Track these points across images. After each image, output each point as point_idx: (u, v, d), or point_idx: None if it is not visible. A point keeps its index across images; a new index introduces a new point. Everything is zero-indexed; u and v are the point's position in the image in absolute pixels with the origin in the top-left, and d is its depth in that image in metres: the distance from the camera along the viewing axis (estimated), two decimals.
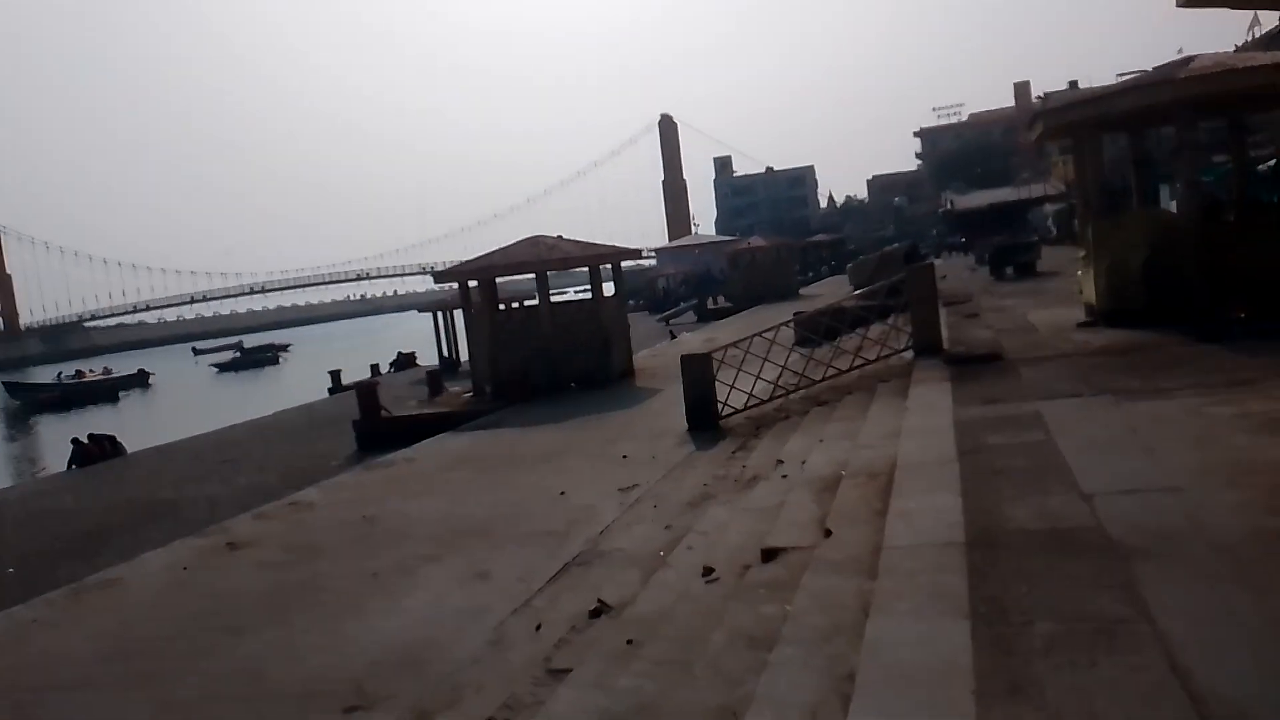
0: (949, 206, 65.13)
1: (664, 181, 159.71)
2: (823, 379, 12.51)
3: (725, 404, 12.75)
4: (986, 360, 10.68)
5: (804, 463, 8.34)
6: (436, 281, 20.88)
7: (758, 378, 12.71)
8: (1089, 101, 11.44)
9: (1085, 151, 12.40)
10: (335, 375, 38.24)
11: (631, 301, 79.42)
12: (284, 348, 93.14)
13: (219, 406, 42.82)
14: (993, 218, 52.74)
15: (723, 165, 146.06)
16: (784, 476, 8.17)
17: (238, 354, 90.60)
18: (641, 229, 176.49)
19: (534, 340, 19.54)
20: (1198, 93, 10.47)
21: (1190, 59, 11.49)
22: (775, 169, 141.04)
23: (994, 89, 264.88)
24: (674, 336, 36.64)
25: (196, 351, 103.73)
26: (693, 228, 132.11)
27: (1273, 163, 32.25)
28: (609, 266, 20.92)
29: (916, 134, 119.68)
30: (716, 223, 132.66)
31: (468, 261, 20.91)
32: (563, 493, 9.97)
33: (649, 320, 55.92)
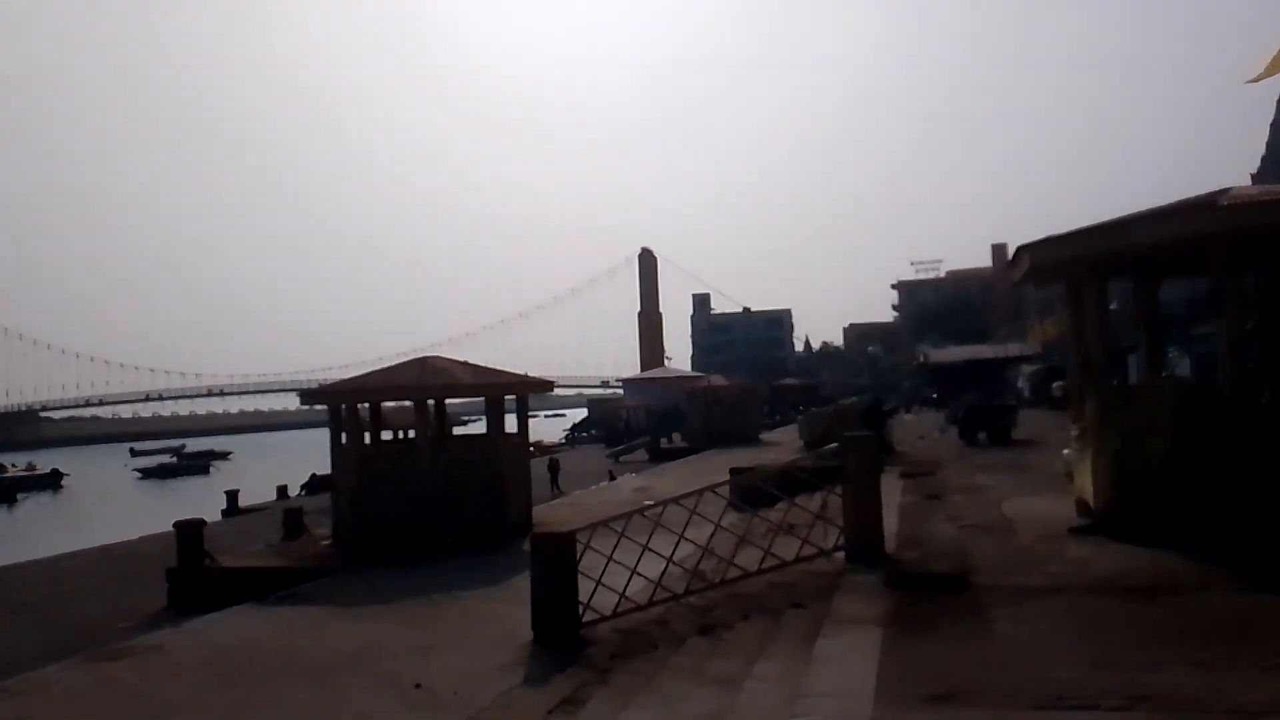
0: (923, 359, 63.07)
1: (640, 313, 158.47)
2: (721, 581, 9.03)
3: (589, 606, 9.18)
4: (945, 587, 7.28)
5: None
6: (303, 402, 17.52)
7: (633, 572, 9.15)
8: (1094, 232, 8.49)
9: (1085, 298, 9.35)
10: (232, 496, 34.32)
11: (591, 432, 76.79)
12: (224, 455, 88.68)
13: (112, 520, 38.66)
14: (967, 374, 50.42)
15: (701, 302, 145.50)
16: None
17: (174, 459, 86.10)
18: (616, 361, 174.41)
19: (408, 483, 15.97)
20: (1250, 223, 7.52)
21: (1226, 190, 8.60)
22: (753, 309, 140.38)
23: (972, 248, 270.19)
24: (612, 478, 33.16)
25: (134, 452, 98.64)
26: (665, 361, 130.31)
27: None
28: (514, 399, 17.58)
29: (894, 286, 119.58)
30: (692, 359, 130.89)
31: (341, 382, 17.55)
32: None
33: (599, 455, 52.48)
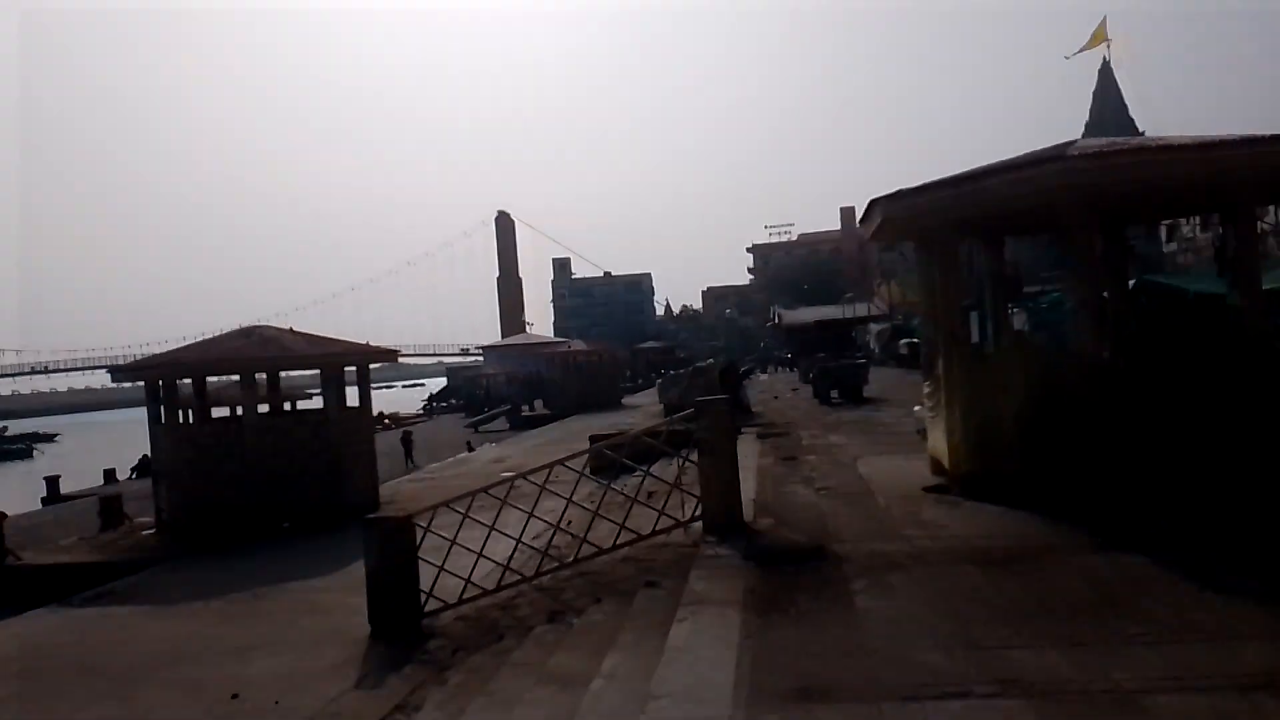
0: (777, 320, 64.18)
1: (498, 278, 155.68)
2: (573, 560, 8.45)
3: (431, 594, 8.44)
4: (804, 558, 6.91)
5: None
6: (114, 379, 15.86)
7: (479, 554, 8.44)
8: (947, 184, 8.24)
9: (937, 254, 9.15)
10: (52, 482, 31.47)
11: (451, 401, 74.90)
12: (50, 438, 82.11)
13: None
14: (819, 334, 51.55)
15: (561, 267, 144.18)
16: None
17: None
18: (476, 328, 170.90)
19: (235, 463, 14.70)
20: (1107, 177, 7.39)
21: (1073, 142, 8.51)
22: (614, 274, 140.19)
23: (822, 212, 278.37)
24: (471, 449, 32.18)
25: None
26: (527, 327, 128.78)
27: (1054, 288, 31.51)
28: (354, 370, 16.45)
29: (749, 249, 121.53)
30: (554, 324, 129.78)
31: (158, 356, 15.98)
32: None
33: (458, 425, 51.16)
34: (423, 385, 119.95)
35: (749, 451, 14.16)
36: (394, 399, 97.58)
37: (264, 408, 18.12)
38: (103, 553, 14.47)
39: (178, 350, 15.47)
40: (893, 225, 9.17)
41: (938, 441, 9.62)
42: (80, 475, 38.41)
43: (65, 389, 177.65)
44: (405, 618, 8.37)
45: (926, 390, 9.93)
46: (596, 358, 49.64)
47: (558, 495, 8.58)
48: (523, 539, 8.64)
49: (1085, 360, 8.30)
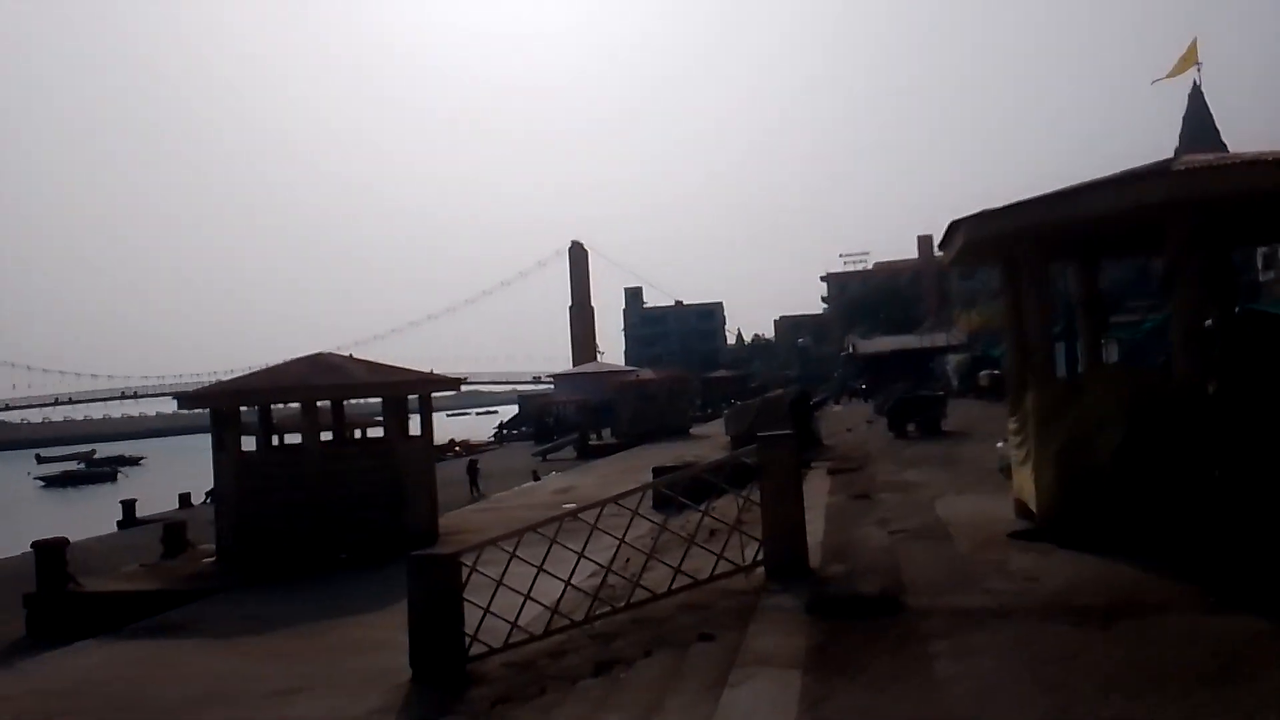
0: (851, 350, 62.98)
1: (571, 307, 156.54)
2: (626, 605, 7.91)
3: (476, 638, 7.99)
4: (875, 611, 6.27)
5: None
6: (180, 406, 15.95)
7: (527, 596, 7.96)
8: (1035, 204, 7.57)
9: (1025, 278, 8.43)
10: (129, 506, 32.14)
11: (521, 429, 75.11)
12: (135, 461, 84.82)
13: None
14: (895, 364, 50.31)
15: (633, 295, 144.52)
16: None
17: (82, 465, 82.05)
18: (548, 355, 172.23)
19: (296, 491, 14.56)
20: (1209, 189, 6.66)
21: (1173, 159, 7.77)
22: (685, 302, 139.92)
23: (899, 240, 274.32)
24: (536, 477, 31.90)
25: (40, 459, 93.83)
26: (598, 355, 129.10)
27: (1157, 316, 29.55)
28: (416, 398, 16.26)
29: (824, 278, 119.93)
30: (625, 353, 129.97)
31: (223, 383, 16.02)
32: None
33: (527, 453, 51.09)
34: (496, 412, 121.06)
35: (818, 488, 13.47)
36: (468, 426, 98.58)
37: (329, 436, 18.15)
38: (161, 580, 14.44)
39: (241, 378, 15.48)
40: (976, 248, 8.50)
41: (1024, 481, 8.85)
42: (160, 499, 39.31)
43: (154, 413, 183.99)
44: (448, 661, 7.93)
45: (1012, 426, 9.17)
46: (665, 386, 49.13)
47: (610, 535, 8.05)
48: (573, 580, 8.15)
49: (1190, 393, 7.50)
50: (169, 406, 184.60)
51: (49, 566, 14.04)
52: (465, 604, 8.10)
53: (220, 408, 15.01)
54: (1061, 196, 7.57)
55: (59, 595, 14.00)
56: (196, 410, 19.19)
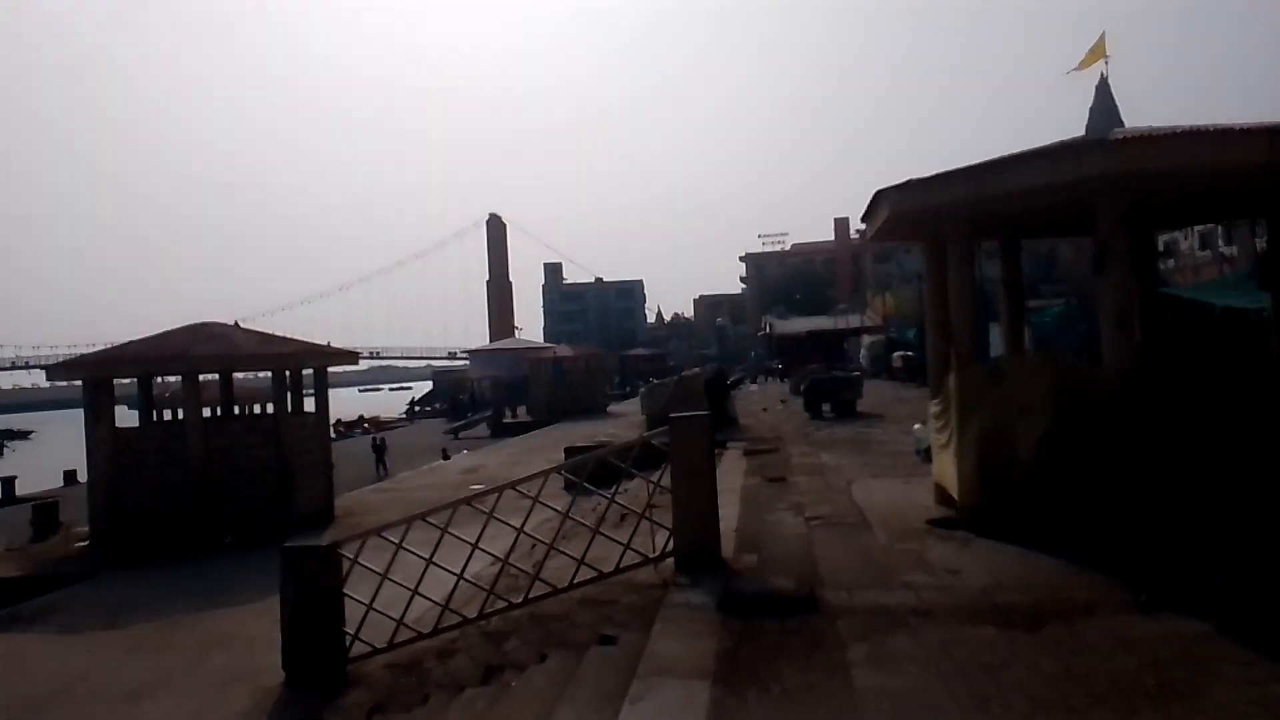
0: (769, 330, 63.20)
1: (489, 281, 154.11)
2: (524, 600, 7.29)
3: (357, 636, 7.26)
4: (790, 609, 5.77)
5: None
6: (49, 378, 14.66)
7: (414, 592, 7.25)
8: (963, 175, 7.14)
9: (951, 257, 8.03)
10: (7, 483, 30.13)
11: (435, 405, 73.46)
12: (24, 435, 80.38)
13: None
14: (811, 345, 50.59)
15: (553, 271, 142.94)
16: None
17: None
18: (463, 329, 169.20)
19: (174, 468, 13.50)
20: (1158, 163, 6.29)
21: (1113, 130, 7.42)
22: (605, 280, 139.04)
23: (817, 223, 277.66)
24: (446, 456, 30.94)
25: None
26: (516, 331, 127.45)
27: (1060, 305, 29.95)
28: (310, 372, 15.27)
29: (742, 258, 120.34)
30: (545, 329, 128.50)
31: (96, 353, 14.77)
32: None
33: (439, 430, 49.85)
34: (410, 388, 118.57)
35: (733, 470, 13.03)
36: (381, 402, 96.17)
37: (222, 412, 17.00)
38: (25, 566, 13.24)
39: (118, 346, 14.27)
40: (901, 222, 8.06)
41: (945, 467, 8.50)
42: (46, 476, 37.04)
43: (49, 385, 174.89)
44: (325, 662, 7.20)
45: (934, 409, 8.81)
46: (582, 364, 48.43)
47: (507, 524, 7.39)
48: (470, 572, 7.48)
49: (1118, 380, 7.19)
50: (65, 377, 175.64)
51: None
52: (347, 599, 7.42)
53: (92, 378, 13.80)
54: (989, 168, 7.16)
55: None
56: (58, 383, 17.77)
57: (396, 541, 7.31)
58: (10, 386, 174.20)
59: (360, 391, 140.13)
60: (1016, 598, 5.78)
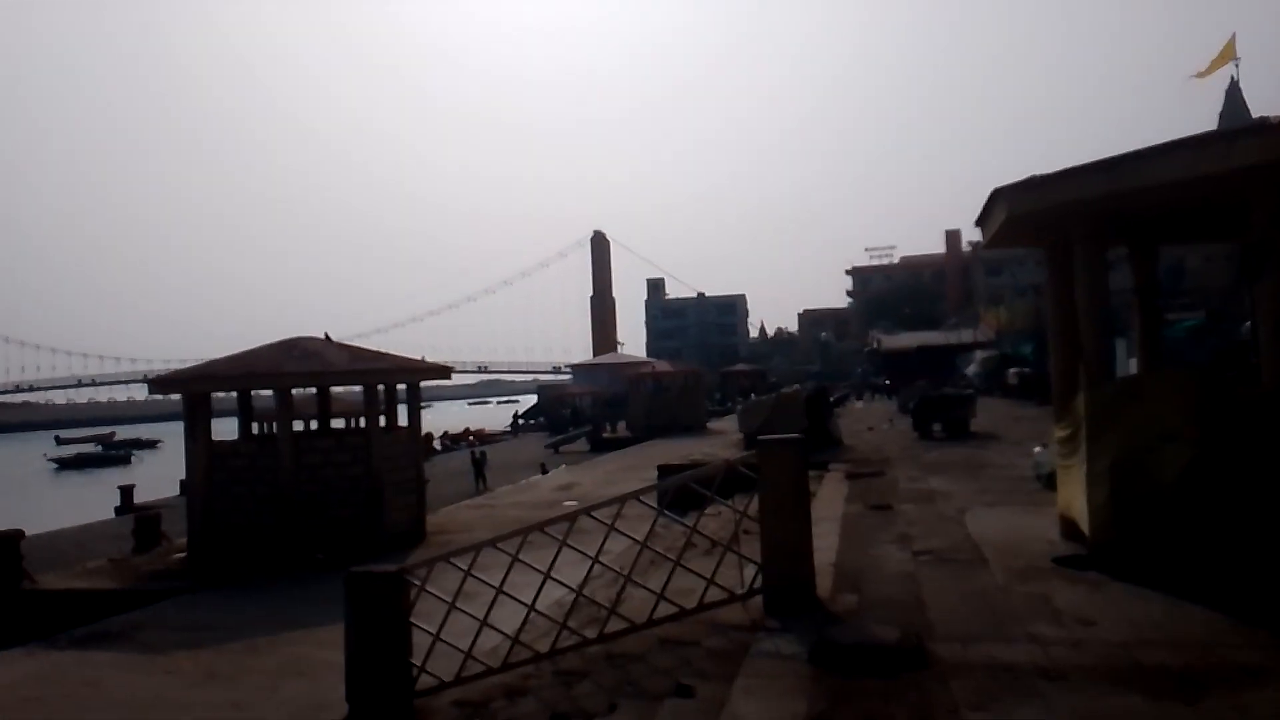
0: (875, 345, 61.43)
1: (592, 298, 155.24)
2: (599, 636, 6.73)
3: (424, 669, 6.82)
4: (894, 664, 5.04)
5: None
6: (150, 391, 14.94)
7: (484, 623, 6.78)
8: (1093, 171, 6.29)
9: (1078, 262, 7.15)
10: (126, 491, 31.35)
11: (538, 419, 74.02)
12: (151, 444, 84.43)
13: None
14: (919, 360, 48.81)
15: (655, 287, 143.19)
16: None
17: (99, 447, 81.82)
18: (568, 345, 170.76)
19: (265, 484, 13.49)
20: None
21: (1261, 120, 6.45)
22: (707, 295, 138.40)
23: (926, 235, 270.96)
24: (544, 470, 30.78)
25: (59, 440, 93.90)
26: (618, 346, 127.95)
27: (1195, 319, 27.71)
28: (404, 387, 15.15)
29: (848, 272, 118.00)
30: (646, 345, 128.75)
31: (191, 368, 14.97)
32: None
33: (537, 444, 50.02)
34: (517, 401, 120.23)
35: (834, 495, 12.23)
36: (488, 415, 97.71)
37: (317, 426, 17.10)
38: (123, 579, 13.38)
39: (212, 362, 14.40)
40: (1020, 224, 7.23)
41: (1072, 497, 7.58)
42: (166, 484, 38.58)
43: (176, 397, 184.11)
44: (391, 696, 6.77)
45: (1059, 434, 7.89)
46: (681, 379, 47.88)
47: (583, 553, 6.84)
48: (543, 603, 6.97)
49: (1275, 401, 6.20)
50: None
51: (2, 560, 13.03)
52: (415, 628, 7.01)
53: (188, 393, 13.94)
54: (1126, 161, 6.28)
55: (13, 593, 12.99)
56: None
57: (465, 569, 6.85)
58: (144, 399, 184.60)
59: (469, 405, 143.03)
60: (1164, 657, 4.92)
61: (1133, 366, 18.30)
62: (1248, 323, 18.90)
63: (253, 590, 12.30)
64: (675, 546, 7.91)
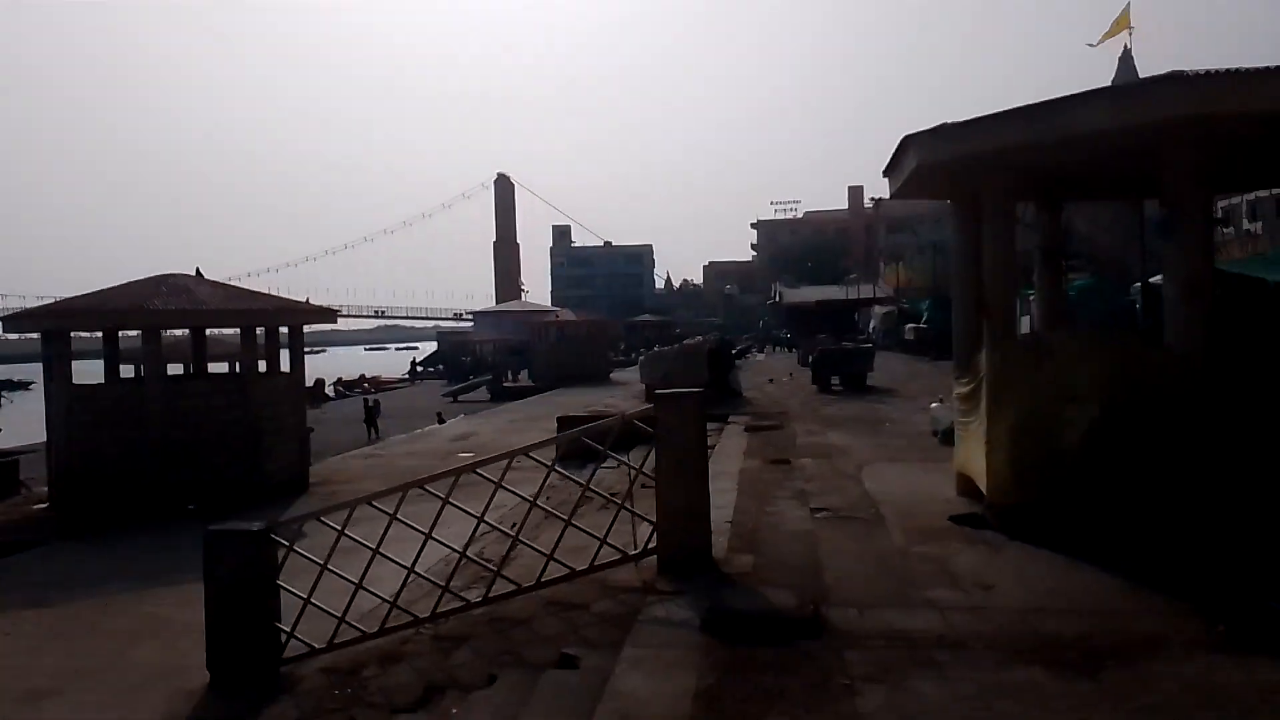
0: (778, 299, 61.93)
1: (495, 243, 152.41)
2: (483, 599, 6.32)
3: (294, 634, 6.30)
4: (790, 634, 4.78)
5: None
6: (5, 329, 13.78)
7: (359, 585, 6.28)
8: (1016, 116, 6.04)
9: (987, 216, 6.95)
10: None
11: (437, 367, 72.56)
12: (24, 385, 79.57)
13: None
14: (820, 315, 49.39)
15: (561, 235, 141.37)
16: None
17: None
18: (470, 291, 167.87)
19: (134, 429, 12.56)
20: (1250, 102, 5.21)
21: (1177, 73, 6.28)
22: (614, 244, 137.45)
23: (832, 192, 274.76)
24: (441, 420, 30.02)
25: None
26: (522, 294, 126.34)
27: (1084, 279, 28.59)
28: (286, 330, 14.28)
29: (754, 225, 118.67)
30: (552, 293, 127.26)
31: (49, 305, 13.79)
32: None
33: (435, 393, 49.01)
34: (416, 348, 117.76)
35: (733, 448, 12.05)
36: (386, 362, 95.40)
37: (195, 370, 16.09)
38: None
39: (74, 298, 13.27)
40: (931, 174, 6.97)
41: (971, 456, 7.48)
42: (36, 429, 36.34)
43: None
44: (256, 663, 6.25)
45: (960, 390, 7.77)
46: (586, 329, 47.45)
47: (465, 512, 6.39)
48: (427, 563, 6.51)
49: (1181, 364, 6.14)
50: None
51: None
52: (284, 591, 6.47)
53: (47, 331, 12.84)
54: (1043, 109, 6.04)
55: None
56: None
57: (339, 528, 6.33)
58: (17, 337, 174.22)
59: (366, 351, 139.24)
60: (1064, 625, 4.79)
61: (1024, 325, 18.67)
62: (1137, 284, 19.43)
63: (115, 543, 11.49)
64: (569, 502, 7.55)
